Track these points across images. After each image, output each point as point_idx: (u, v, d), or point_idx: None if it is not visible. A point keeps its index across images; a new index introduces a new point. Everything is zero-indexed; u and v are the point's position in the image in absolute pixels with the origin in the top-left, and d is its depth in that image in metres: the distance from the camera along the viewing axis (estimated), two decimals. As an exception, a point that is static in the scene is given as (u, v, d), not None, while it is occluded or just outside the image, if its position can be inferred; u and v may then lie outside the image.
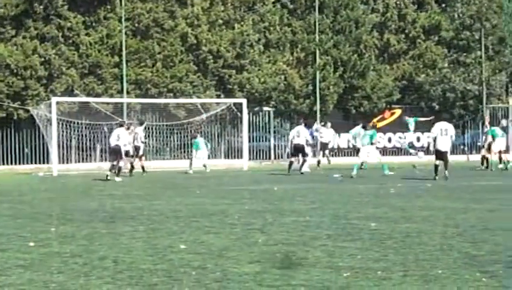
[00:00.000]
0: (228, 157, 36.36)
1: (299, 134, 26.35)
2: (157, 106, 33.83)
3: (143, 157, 27.71)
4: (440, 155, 21.55)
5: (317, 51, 37.95)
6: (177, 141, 32.94)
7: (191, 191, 18.12)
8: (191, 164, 28.18)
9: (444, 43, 40.90)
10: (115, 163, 24.01)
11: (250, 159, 33.95)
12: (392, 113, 38.81)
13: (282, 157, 38.14)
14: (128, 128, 25.47)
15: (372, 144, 24.26)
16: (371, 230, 9.68)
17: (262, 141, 38.77)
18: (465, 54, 40.60)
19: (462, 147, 41.76)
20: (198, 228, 10.25)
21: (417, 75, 40.28)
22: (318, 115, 37.32)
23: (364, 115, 36.27)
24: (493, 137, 27.29)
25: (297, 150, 26.18)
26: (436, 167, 21.40)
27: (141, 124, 28.71)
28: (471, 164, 31.61)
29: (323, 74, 37.88)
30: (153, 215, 12.09)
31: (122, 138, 24.26)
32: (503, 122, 33.24)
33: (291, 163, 26.30)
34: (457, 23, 40.96)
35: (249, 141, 34.46)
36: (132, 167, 26.18)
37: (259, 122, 37.44)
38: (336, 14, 38.91)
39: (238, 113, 34.11)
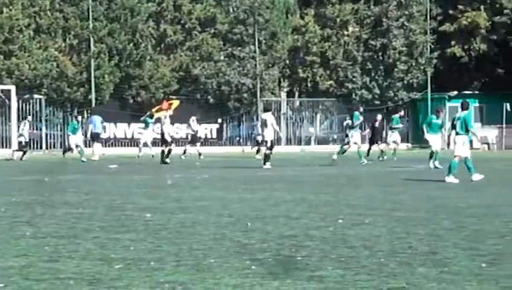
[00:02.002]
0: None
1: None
2: None
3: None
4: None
5: (91, 39, 37.13)
6: None
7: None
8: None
9: (219, 36, 41.63)
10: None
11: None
12: (170, 104, 38.79)
13: (55, 147, 36.98)
14: None
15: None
16: (145, 221, 9.56)
17: (35, 129, 37.29)
18: (239, 47, 41.59)
19: (238, 139, 42.83)
20: (-41, 222, 9.57)
21: (194, 67, 40.66)
22: (93, 104, 36.55)
23: (142, 105, 36.06)
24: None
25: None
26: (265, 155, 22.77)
27: None
28: (247, 155, 32.52)
29: (98, 62, 37.15)
30: None
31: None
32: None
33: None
34: (232, 17, 41.85)
35: (18, 130, 32.98)
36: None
37: (29, 110, 35.95)
38: (110, 2, 38.27)
39: (6, 101, 32.69)
